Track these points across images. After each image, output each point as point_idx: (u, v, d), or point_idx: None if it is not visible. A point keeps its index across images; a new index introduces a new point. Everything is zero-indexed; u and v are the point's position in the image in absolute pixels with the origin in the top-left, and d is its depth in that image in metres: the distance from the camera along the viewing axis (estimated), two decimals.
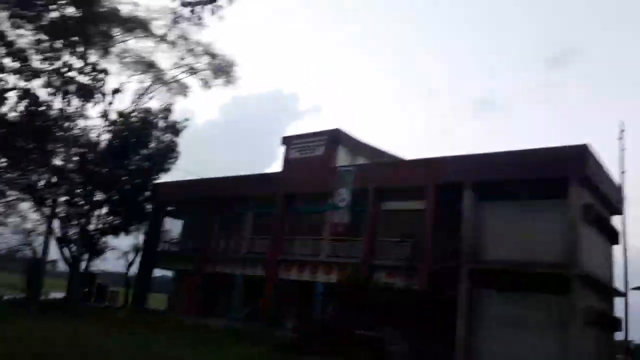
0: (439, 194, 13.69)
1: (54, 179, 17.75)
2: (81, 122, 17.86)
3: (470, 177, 13.30)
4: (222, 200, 19.26)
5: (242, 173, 19.04)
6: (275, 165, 56.49)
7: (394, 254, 14.16)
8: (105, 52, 15.45)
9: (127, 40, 17.72)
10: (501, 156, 12.93)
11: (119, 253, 21.74)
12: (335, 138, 17.20)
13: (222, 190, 19.10)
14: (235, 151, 56.00)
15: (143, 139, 20.92)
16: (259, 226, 18.18)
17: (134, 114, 20.85)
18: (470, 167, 13.45)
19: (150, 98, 20.97)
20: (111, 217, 20.96)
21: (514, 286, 11.91)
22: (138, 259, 21.49)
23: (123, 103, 22.69)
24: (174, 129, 21.62)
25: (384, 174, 15.15)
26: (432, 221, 13.52)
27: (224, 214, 19.42)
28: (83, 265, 20.09)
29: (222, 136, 55.16)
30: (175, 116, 21.78)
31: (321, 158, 16.99)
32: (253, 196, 18.25)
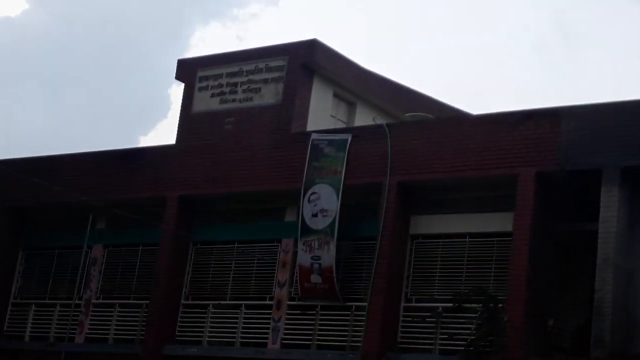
0: (543, 196, 13.46)
1: None
2: None
3: (622, 154, 12.95)
4: (30, 215, 19.68)
5: (80, 149, 19.13)
6: (161, 131, 53.34)
7: (439, 339, 14.12)
8: None
9: None
10: None
11: None
12: (306, 62, 16.84)
13: (31, 191, 18.78)
14: (66, 94, 51.56)
15: None
16: (118, 274, 18.26)
17: None
18: (624, 131, 13.07)
19: None
20: None
21: None
22: None
23: None
24: None
25: (418, 148, 14.90)
26: (526, 261, 13.10)
27: (35, 246, 19.66)
28: None
29: (39, 58, 51.18)
30: None
31: (271, 110, 16.73)
32: (104, 206, 17.86)
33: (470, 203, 14.28)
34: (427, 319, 14.01)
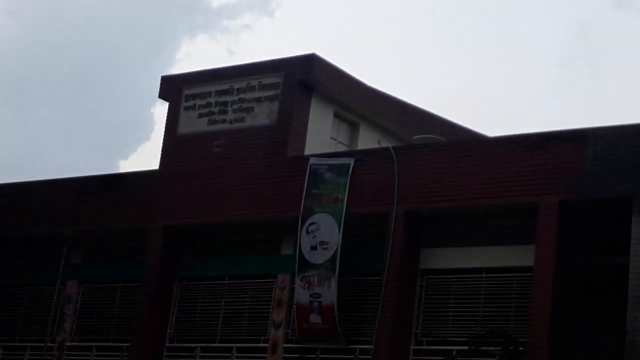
0: (567, 227, 13.63)
1: None
2: None
3: None
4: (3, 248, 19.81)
5: (55, 175, 19.46)
6: (143, 155, 55.24)
7: None
8: None
9: None
10: None
11: None
12: (304, 78, 17.04)
13: (5, 221, 19.15)
14: (39, 115, 52.12)
15: None
16: (95, 314, 18.39)
17: None
18: None
19: None
20: None
21: None
22: None
23: None
24: None
25: (428, 174, 15.09)
26: (549, 298, 13.24)
27: (2, 282, 19.73)
28: None
29: (9, 76, 51.92)
30: None
31: (265, 132, 16.97)
32: (80, 238, 18.15)
33: (486, 234, 14.39)
34: None
